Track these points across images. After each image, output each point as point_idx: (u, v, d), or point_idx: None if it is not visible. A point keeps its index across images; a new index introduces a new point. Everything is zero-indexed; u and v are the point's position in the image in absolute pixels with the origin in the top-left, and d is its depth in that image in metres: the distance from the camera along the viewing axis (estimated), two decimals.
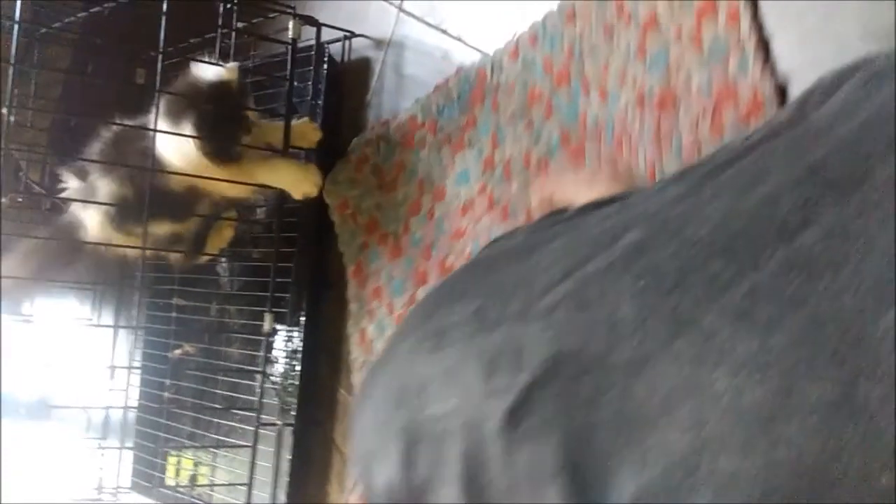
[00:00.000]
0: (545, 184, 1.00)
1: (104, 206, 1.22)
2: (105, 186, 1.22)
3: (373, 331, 1.27)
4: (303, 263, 1.35)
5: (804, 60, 0.87)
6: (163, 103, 1.16)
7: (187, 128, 1.12)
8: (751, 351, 0.40)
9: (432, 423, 0.54)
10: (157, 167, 1.16)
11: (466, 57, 1.24)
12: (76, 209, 1.28)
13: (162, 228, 1.27)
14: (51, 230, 1.31)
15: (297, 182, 1.25)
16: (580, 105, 1.03)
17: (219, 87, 1.16)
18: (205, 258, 1.41)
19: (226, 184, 1.21)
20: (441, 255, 1.19)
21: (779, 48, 0.88)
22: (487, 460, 0.50)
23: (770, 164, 0.48)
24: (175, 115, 1.14)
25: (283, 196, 1.29)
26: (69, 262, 1.30)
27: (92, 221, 1.26)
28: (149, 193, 1.16)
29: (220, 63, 1.18)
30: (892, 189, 0.40)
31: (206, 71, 1.16)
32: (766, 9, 0.89)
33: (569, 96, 1.05)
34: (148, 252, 1.22)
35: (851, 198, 0.41)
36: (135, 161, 1.18)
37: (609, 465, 0.43)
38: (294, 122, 1.29)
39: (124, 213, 1.22)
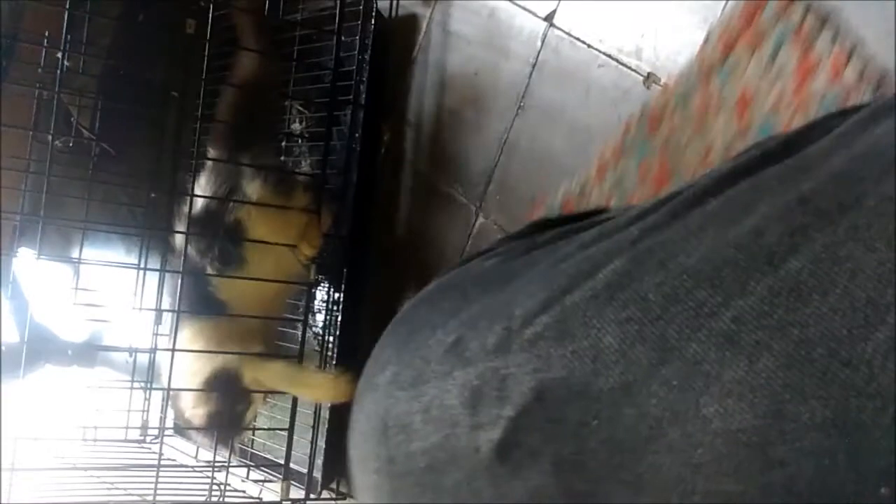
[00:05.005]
0: None
1: None
2: None
3: None
4: (346, 216, 1.36)
5: None
6: None
7: None
8: (738, 376, 0.39)
9: (419, 457, 0.54)
10: None
11: (513, 16, 1.24)
12: None
13: None
14: None
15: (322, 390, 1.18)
16: None
17: None
18: None
19: None
20: None
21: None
22: (480, 490, 0.50)
23: (759, 195, 0.47)
24: None
25: (329, 152, 1.30)
26: None
27: None
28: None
29: None
30: (881, 212, 0.39)
31: None
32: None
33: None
34: None
35: (840, 223, 0.40)
36: None
37: (602, 490, 0.43)
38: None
39: None
